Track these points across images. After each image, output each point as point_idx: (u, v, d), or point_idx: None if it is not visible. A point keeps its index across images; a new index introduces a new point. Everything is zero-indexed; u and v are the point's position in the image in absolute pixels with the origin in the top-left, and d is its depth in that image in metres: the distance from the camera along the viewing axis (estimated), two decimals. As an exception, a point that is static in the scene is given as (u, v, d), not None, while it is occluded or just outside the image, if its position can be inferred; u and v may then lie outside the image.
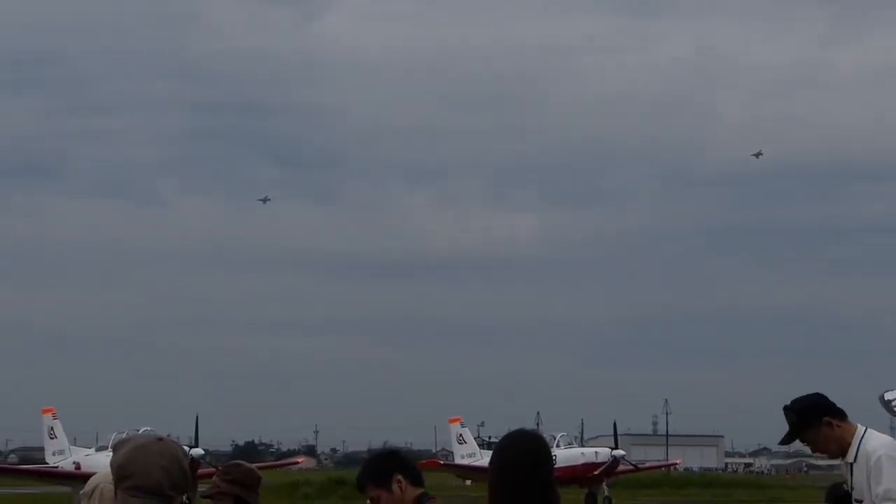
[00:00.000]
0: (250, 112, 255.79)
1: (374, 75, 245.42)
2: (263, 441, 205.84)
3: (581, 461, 60.51)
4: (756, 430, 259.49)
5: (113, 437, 56.61)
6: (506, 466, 5.32)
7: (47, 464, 61.33)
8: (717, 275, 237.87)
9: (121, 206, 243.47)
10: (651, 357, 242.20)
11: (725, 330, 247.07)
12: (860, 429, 8.26)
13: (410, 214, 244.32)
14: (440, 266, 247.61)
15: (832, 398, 8.44)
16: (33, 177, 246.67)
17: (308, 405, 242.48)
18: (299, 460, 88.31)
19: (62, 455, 60.09)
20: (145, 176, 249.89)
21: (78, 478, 54.50)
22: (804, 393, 8.47)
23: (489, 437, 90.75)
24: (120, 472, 4.85)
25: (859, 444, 8.18)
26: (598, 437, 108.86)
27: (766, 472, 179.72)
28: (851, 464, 8.21)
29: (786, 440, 8.40)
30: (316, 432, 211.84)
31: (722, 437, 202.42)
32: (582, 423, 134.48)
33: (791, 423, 8.25)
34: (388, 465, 6.53)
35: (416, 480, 6.44)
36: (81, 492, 5.66)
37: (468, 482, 63.33)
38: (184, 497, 4.87)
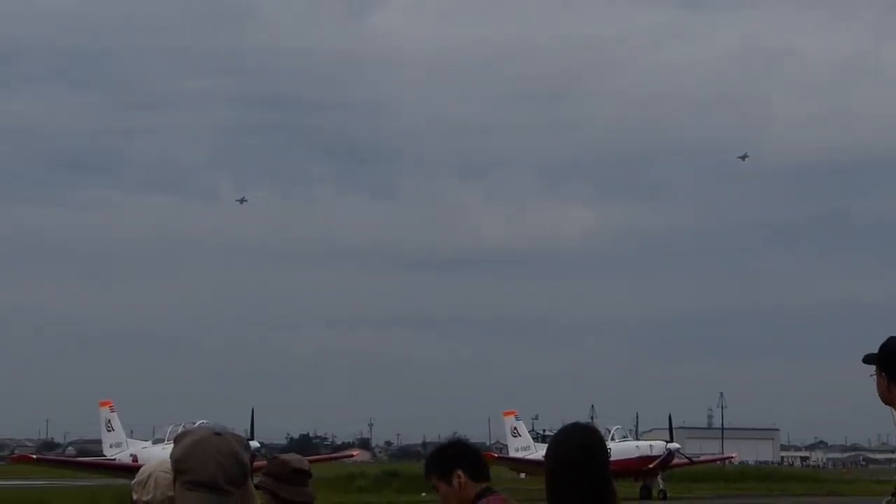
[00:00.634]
0: (303, 108, 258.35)
1: (425, 71, 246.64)
2: (318, 434, 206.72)
3: (636, 454, 60.44)
4: (812, 423, 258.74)
5: (169, 430, 57.08)
6: (561, 460, 5.31)
7: (104, 456, 61.85)
8: (773, 269, 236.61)
9: (174, 201, 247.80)
10: (706, 350, 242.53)
11: (781, 324, 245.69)
12: None
13: (463, 209, 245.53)
14: (493, 260, 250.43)
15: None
16: (87, 172, 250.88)
17: (363, 398, 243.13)
18: (354, 453, 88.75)
19: (119, 448, 60.53)
20: (198, 171, 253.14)
21: (135, 470, 54.98)
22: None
23: (543, 431, 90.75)
24: (178, 465, 4.90)
25: None
26: (652, 430, 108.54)
27: (822, 465, 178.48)
28: None
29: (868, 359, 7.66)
30: (370, 425, 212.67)
31: (777, 430, 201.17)
32: (637, 417, 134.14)
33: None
34: (450, 458, 6.53)
35: (479, 475, 6.43)
36: (134, 481, 5.69)
37: (522, 475, 63.38)
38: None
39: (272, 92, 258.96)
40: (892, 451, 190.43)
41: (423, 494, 65.39)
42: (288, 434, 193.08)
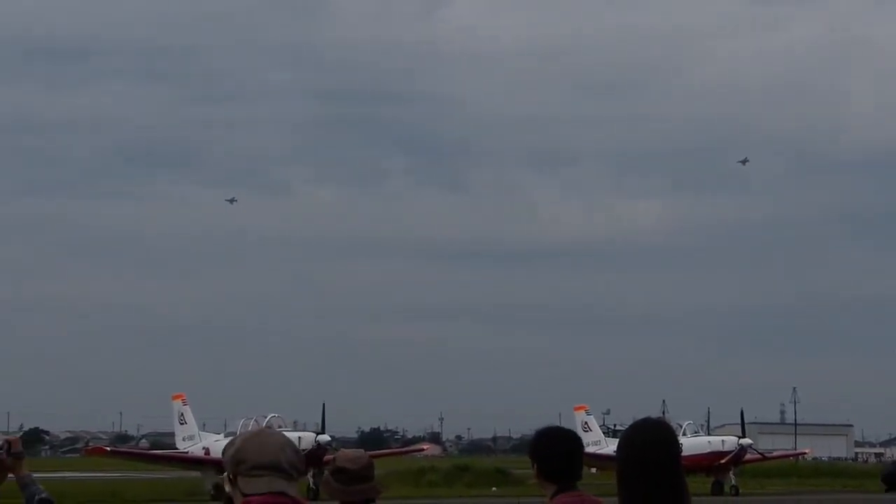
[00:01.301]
0: (378, 101, 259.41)
1: (499, 63, 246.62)
2: (389, 428, 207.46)
3: (707, 450, 60.11)
4: (887, 419, 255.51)
5: (241, 424, 57.45)
6: (634, 455, 5.25)
7: (177, 449, 62.35)
8: (847, 261, 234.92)
9: (250, 194, 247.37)
10: (779, 345, 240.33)
11: (855, 318, 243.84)
12: None
13: (536, 202, 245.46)
14: (565, 253, 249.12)
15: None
16: (164, 166, 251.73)
17: (433, 392, 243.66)
18: (424, 447, 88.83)
19: (192, 440, 60.98)
20: (274, 165, 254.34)
21: (207, 463, 55.36)
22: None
23: (614, 426, 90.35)
24: (236, 457, 5.00)
25: None
26: (724, 425, 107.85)
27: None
28: None
29: None
30: (441, 419, 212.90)
31: (851, 426, 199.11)
32: (708, 412, 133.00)
33: None
34: (530, 451, 6.45)
35: (549, 474, 6.33)
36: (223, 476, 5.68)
37: (593, 470, 63.13)
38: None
39: (346, 85, 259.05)
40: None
41: (494, 489, 65.40)
42: (359, 428, 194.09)
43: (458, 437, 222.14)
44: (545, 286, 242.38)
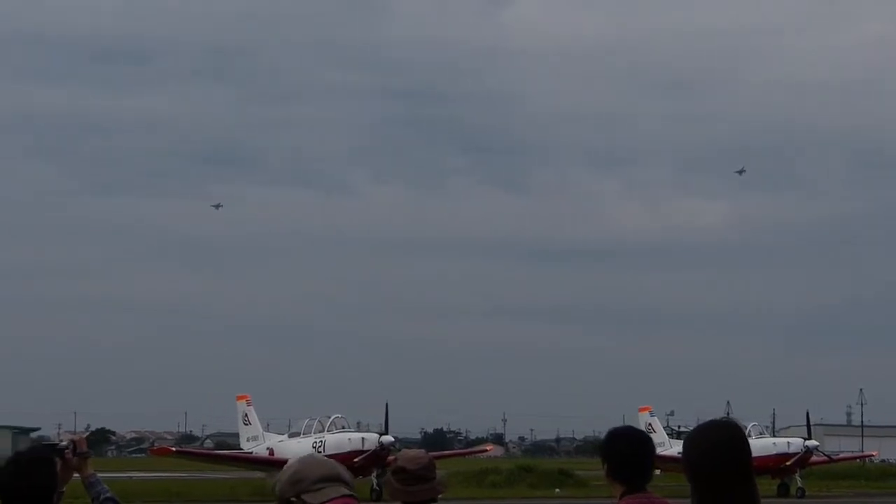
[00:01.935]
0: (440, 100, 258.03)
1: (561, 61, 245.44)
2: (452, 429, 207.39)
3: (773, 451, 59.67)
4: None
5: (305, 424, 57.73)
6: (703, 456, 5.18)
7: (242, 449, 62.60)
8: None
9: (312, 195, 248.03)
10: (846, 345, 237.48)
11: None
12: None
13: (598, 202, 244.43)
14: (628, 253, 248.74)
15: None
16: (226, 166, 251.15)
17: (496, 393, 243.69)
18: (487, 448, 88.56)
19: (256, 441, 61.17)
20: (336, 165, 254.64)
21: (271, 463, 55.54)
22: None
23: (678, 427, 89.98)
24: (295, 477, 5.28)
25: None
26: (789, 427, 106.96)
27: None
28: None
29: None
30: (504, 420, 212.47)
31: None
32: (773, 413, 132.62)
33: None
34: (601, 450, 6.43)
35: (619, 474, 6.28)
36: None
37: (657, 471, 62.77)
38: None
39: (408, 84, 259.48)
40: None
41: (557, 490, 65.20)
42: (422, 429, 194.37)
43: (522, 439, 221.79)
44: (608, 286, 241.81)
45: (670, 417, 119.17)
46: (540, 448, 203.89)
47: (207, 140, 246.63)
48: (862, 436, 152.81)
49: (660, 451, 62.72)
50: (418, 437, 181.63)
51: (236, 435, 67.11)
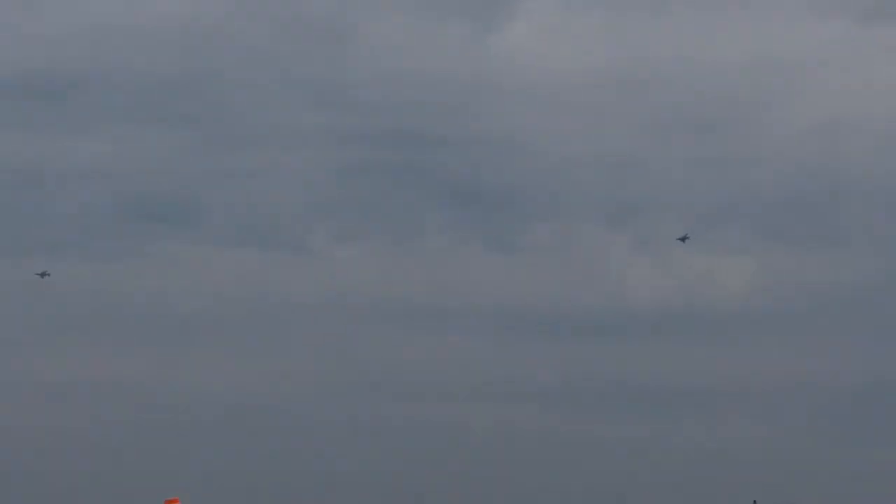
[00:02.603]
0: (415, 144, 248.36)
1: (559, 98, 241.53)
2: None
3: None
4: None
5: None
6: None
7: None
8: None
9: (265, 255, 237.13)
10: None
11: None
12: None
13: (603, 260, 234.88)
14: (639, 321, 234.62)
15: None
16: (167, 223, 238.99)
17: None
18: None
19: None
20: (293, 220, 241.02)
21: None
22: None
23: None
24: None
25: None
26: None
27: None
28: None
29: None
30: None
31: None
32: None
33: None
34: None
35: None
36: None
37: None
38: None
39: (379, 126, 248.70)
40: None
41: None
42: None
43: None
44: (614, 360, 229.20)
45: None
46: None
47: (141, 192, 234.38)
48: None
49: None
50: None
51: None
